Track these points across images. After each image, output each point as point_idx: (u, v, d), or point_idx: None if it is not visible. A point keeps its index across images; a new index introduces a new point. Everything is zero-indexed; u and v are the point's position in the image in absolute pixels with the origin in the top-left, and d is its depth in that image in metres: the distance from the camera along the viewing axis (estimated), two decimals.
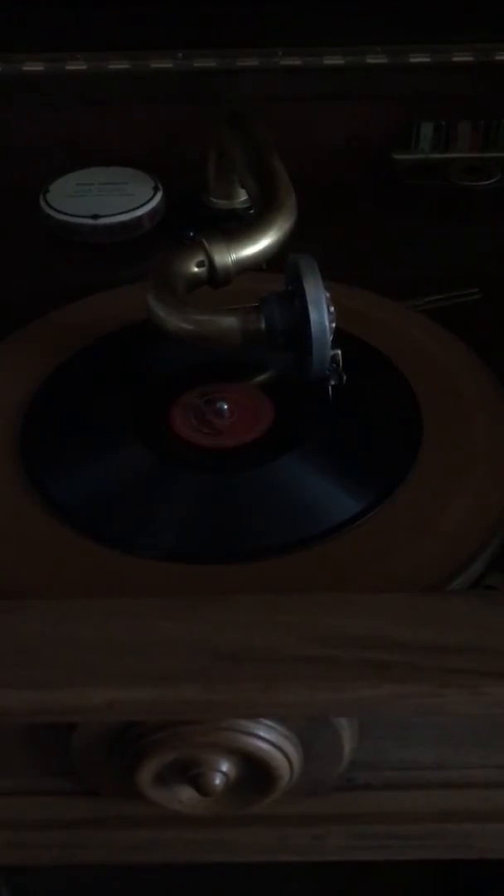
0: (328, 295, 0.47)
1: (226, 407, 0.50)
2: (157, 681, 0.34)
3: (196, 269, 0.52)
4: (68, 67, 0.69)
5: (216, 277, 0.52)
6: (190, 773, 0.39)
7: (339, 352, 0.48)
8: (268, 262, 0.54)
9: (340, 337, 0.49)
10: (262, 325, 0.48)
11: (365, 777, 0.41)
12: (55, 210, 0.66)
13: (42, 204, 0.67)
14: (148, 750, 0.38)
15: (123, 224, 0.66)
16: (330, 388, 0.50)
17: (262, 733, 0.37)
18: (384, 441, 0.50)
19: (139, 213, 0.66)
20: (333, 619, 0.35)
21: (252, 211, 0.59)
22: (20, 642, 0.35)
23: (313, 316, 0.47)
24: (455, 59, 0.68)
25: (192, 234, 0.52)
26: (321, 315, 0.47)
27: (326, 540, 0.45)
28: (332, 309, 0.47)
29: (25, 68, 0.69)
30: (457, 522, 0.45)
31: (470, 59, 0.68)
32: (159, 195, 0.67)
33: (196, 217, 0.66)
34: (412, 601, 0.36)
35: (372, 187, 0.70)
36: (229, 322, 0.49)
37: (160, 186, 0.68)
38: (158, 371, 0.53)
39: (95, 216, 0.66)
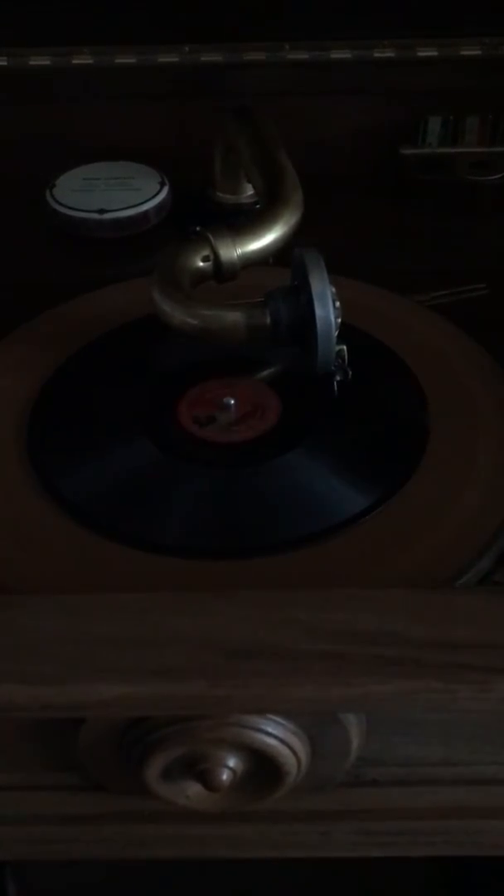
0: (334, 290, 0.47)
1: (233, 402, 0.50)
2: (165, 676, 0.34)
3: (201, 264, 0.52)
4: (75, 62, 0.69)
5: (222, 272, 0.52)
6: (197, 768, 0.38)
7: (345, 347, 0.48)
8: (274, 256, 0.54)
9: (347, 332, 0.49)
10: (268, 321, 0.48)
11: (372, 773, 0.41)
12: (61, 205, 0.66)
13: (48, 199, 0.67)
14: (155, 745, 0.38)
15: (130, 219, 0.66)
16: (336, 383, 0.49)
17: (269, 729, 0.37)
18: (391, 436, 0.49)
19: (145, 207, 0.66)
20: (342, 614, 0.35)
21: (258, 206, 0.59)
22: (28, 637, 0.35)
23: (318, 311, 0.47)
24: (463, 52, 0.68)
25: (197, 228, 0.52)
26: (326, 310, 0.47)
27: (334, 536, 0.45)
28: (337, 304, 0.47)
29: (32, 62, 0.69)
30: (465, 518, 0.45)
31: (478, 52, 0.68)
32: (165, 190, 0.67)
33: (202, 212, 0.66)
34: (421, 597, 0.36)
35: (379, 182, 0.69)
36: (234, 317, 0.49)
37: (166, 181, 0.68)
38: (165, 366, 0.53)
39: (102, 211, 0.66)
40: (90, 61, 0.69)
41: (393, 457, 0.48)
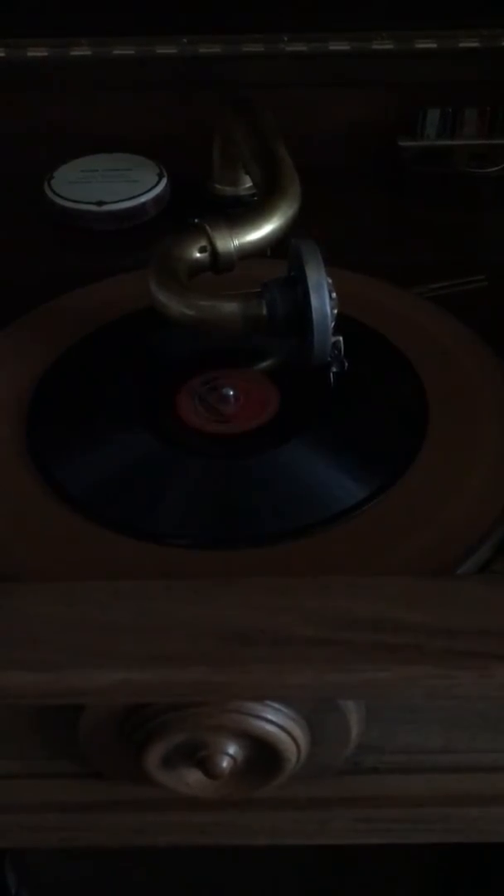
0: (330, 281, 0.47)
1: (231, 393, 0.50)
2: (164, 663, 0.34)
3: (198, 255, 0.52)
4: (73, 53, 0.69)
5: (219, 263, 0.52)
6: (197, 755, 0.38)
7: (341, 338, 0.48)
8: (272, 248, 0.54)
9: (343, 323, 0.48)
10: (264, 311, 0.48)
11: (372, 760, 0.41)
12: (60, 196, 0.66)
13: (46, 190, 0.67)
14: (155, 732, 0.38)
15: (128, 210, 0.66)
16: (332, 374, 0.49)
17: (269, 716, 0.37)
18: (390, 427, 0.49)
19: (144, 199, 0.66)
20: (341, 601, 0.35)
21: (256, 197, 0.59)
22: (28, 624, 0.35)
23: (314, 302, 0.47)
24: (462, 45, 0.68)
25: (195, 219, 0.52)
26: (322, 301, 0.47)
27: (333, 525, 0.44)
28: (333, 295, 0.47)
29: (30, 54, 0.69)
30: (463, 507, 0.45)
31: (476, 45, 0.68)
32: (164, 182, 0.67)
33: (201, 204, 0.66)
34: (420, 584, 0.36)
35: (377, 174, 0.69)
36: (231, 308, 0.48)
37: (165, 173, 0.68)
38: (164, 357, 0.53)
39: (100, 203, 0.66)
40: (88, 53, 0.69)
41: (392, 446, 0.48)
